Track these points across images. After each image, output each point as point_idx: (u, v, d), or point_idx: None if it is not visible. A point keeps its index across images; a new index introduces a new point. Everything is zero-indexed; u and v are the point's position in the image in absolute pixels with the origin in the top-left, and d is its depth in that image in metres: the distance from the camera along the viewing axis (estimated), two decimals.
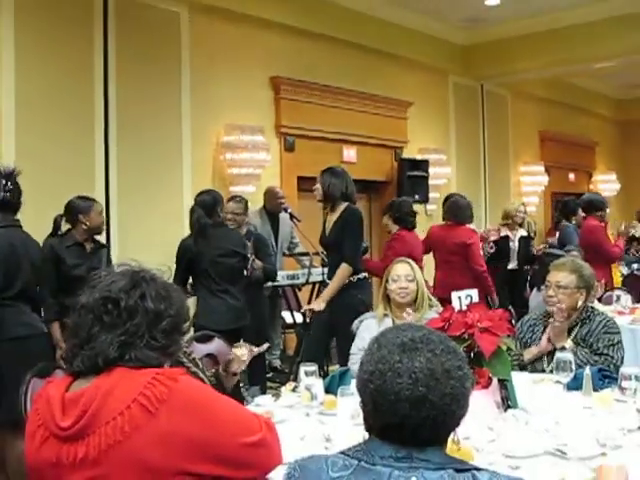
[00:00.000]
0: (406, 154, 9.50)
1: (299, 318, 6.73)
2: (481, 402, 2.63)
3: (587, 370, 3.03)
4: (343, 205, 5.18)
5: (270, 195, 7.01)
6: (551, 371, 3.29)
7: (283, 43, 7.90)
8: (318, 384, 3.01)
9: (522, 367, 3.57)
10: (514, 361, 3.48)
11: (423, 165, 9.39)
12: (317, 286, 6.67)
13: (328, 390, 3.06)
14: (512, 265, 7.77)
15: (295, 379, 3.50)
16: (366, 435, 1.59)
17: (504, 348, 2.77)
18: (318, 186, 5.25)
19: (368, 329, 3.82)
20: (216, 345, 3.95)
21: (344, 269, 5.01)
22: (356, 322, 4.06)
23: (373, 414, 1.53)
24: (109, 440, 1.67)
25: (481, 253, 6.86)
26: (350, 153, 8.78)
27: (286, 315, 7.07)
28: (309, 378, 3.03)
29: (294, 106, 8.00)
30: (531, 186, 11.83)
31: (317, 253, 6.57)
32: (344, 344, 4.46)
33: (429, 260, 7.15)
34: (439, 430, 1.51)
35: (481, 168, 10.94)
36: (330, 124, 8.32)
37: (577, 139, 13.04)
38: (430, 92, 9.97)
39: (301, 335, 6.67)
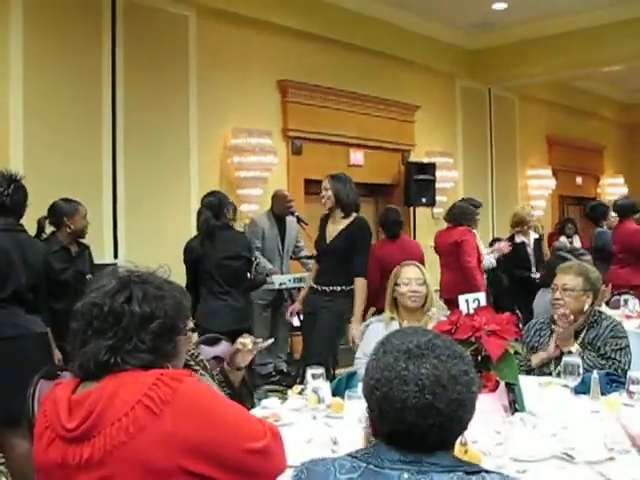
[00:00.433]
0: (413, 157, 9.50)
1: None
2: (488, 406, 2.63)
3: (595, 374, 3.02)
4: (352, 215, 5.12)
5: (278, 198, 7.02)
6: (558, 375, 3.28)
7: (291, 47, 7.91)
8: (325, 387, 3.01)
9: (529, 371, 3.56)
10: (521, 365, 3.48)
11: (430, 169, 9.38)
12: None
13: (335, 393, 3.06)
14: (535, 274, 7.24)
15: (302, 382, 3.49)
16: (372, 439, 1.59)
17: (511, 352, 2.76)
18: (330, 193, 5.10)
19: (375, 333, 3.79)
20: (223, 347, 3.95)
21: (362, 283, 5.02)
22: (362, 326, 4.04)
23: (379, 420, 1.52)
24: (114, 441, 1.67)
25: (478, 252, 6.81)
26: (357, 156, 8.79)
27: (293, 318, 7.07)
28: (316, 381, 3.03)
29: (301, 109, 8.02)
30: (538, 190, 11.81)
31: None
32: (324, 340, 4.96)
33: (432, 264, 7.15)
34: (446, 436, 1.50)
35: (488, 172, 10.93)
36: (337, 127, 8.33)
37: (584, 143, 13.01)
38: (437, 96, 9.97)
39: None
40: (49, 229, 4.85)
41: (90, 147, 6.26)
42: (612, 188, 13.88)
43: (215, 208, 5.28)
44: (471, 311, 2.97)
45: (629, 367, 3.43)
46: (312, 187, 8.30)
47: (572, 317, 3.52)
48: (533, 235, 7.84)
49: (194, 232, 5.49)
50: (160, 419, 1.68)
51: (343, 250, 5.03)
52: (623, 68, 10.43)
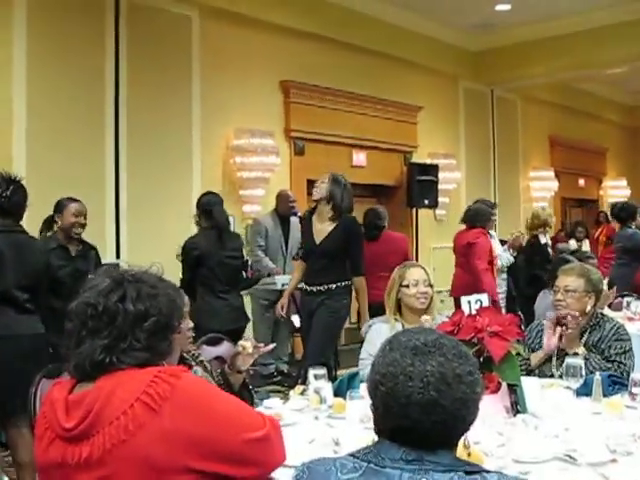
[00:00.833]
0: (416, 159, 9.50)
1: None
2: (490, 407, 2.62)
3: (597, 376, 3.02)
4: (343, 215, 5.11)
5: (282, 199, 7.03)
6: (560, 376, 3.27)
7: (293, 47, 7.92)
8: (327, 387, 3.00)
9: (529, 372, 3.55)
10: (522, 366, 3.47)
11: (432, 170, 9.38)
12: None
13: (337, 393, 3.05)
14: None
15: (303, 383, 3.49)
16: (375, 438, 1.59)
17: (514, 353, 2.76)
18: (324, 191, 5.08)
19: (378, 334, 3.76)
20: (225, 348, 3.95)
21: (363, 281, 5.13)
22: (365, 326, 4.02)
23: (384, 416, 1.53)
24: (113, 440, 1.67)
25: (490, 254, 6.81)
26: (360, 157, 8.80)
27: (295, 319, 7.07)
28: (318, 381, 3.02)
29: (304, 110, 8.02)
30: (540, 191, 11.81)
31: None
32: (320, 340, 4.96)
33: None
34: (449, 434, 1.51)
35: (491, 173, 10.93)
36: (340, 128, 8.34)
37: (587, 145, 13.01)
38: (440, 97, 9.97)
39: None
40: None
41: (93, 147, 6.27)
42: (615, 190, 13.88)
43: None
44: (473, 312, 2.96)
45: (633, 370, 3.42)
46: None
47: (580, 318, 3.52)
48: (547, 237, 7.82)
49: (196, 232, 5.51)
50: (159, 416, 1.68)
51: (335, 251, 5.04)
52: (626, 70, 10.44)
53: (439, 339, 1.55)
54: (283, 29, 7.69)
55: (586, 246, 9.60)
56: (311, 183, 8.13)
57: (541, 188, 11.83)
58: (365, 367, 3.67)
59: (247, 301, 6.98)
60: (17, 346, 3.87)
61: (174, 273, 5.34)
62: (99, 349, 1.77)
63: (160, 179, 6.67)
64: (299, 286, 5.39)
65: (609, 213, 9.12)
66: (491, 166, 10.95)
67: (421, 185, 9.19)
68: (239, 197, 7.36)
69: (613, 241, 8.24)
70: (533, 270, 7.16)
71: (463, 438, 1.57)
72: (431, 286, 3.80)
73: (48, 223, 4.82)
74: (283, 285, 6.41)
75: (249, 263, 6.23)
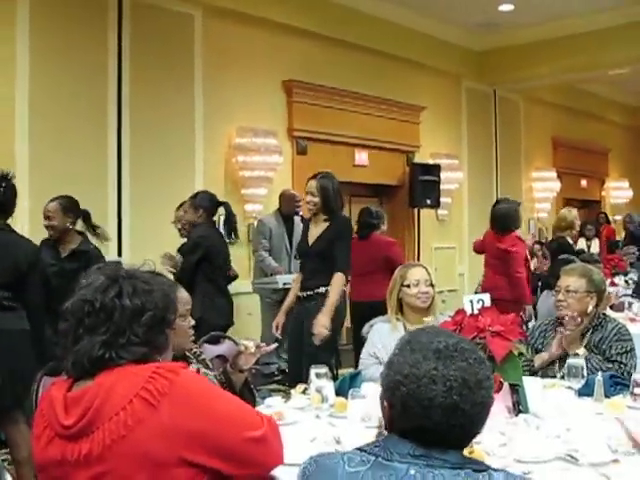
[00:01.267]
0: (418, 159, 9.50)
1: None
2: (492, 407, 2.62)
3: (599, 376, 3.02)
4: (334, 215, 4.91)
5: (286, 198, 7.03)
6: (562, 377, 3.27)
7: (296, 46, 7.92)
8: (329, 386, 3.00)
9: (533, 373, 3.55)
10: (525, 367, 3.47)
11: (435, 170, 9.38)
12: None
13: (339, 392, 3.05)
14: None
15: (305, 382, 3.49)
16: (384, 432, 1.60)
17: (516, 353, 2.76)
18: (317, 200, 4.84)
19: (379, 334, 3.77)
20: (226, 346, 3.95)
21: (340, 278, 4.78)
22: (366, 326, 4.01)
23: (402, 416, 1.54)
24: (113, 435, 1.68)
25: (527, 260, 6.83)
26: (362, 157, 8.80)
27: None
28: (320, 380, 3.02)
29: (307, 109, 8.02)
30: (543, 192, 11.81)
31: None
32: (315, 351, 4.45)
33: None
34: (466, 436, 1.55)
35: (493, 173, 10.92)
36: (342, 128, 8.33)
37: (590, 145, 13.00)
38: (443, 97, 9.97)
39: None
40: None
41: (95, 145, 6.27)
42: (617, 191, 13.88)
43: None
44: (475, 311, 2.96)
45: (634, 370, 3.42)
46: None
47: (580, 319, 3.52)
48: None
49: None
50: (158, 411, 1.69)
51: (324, 250, 4.84)
52: (629, 71, 10.43)
53: (459, 343, 1.57)
54: (286, 28, 7.69)
55: (595, 245, 9.52)
56: None
57: (543, 189, 11.82)
58: (366, 367, 3.67)
59: (255, 300, 7.00)
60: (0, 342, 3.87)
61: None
62: (98, 345, 1.77)
63: (162, 177, 6.67)
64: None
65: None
66: (493, 166, 10.94)
67: (423, 185, 9.19)
68: (241, 196, 7.36)
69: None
70: (558, 270, 7.11)
71: None
72: (432, 286, 3.80)
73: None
74: (284, 284, 6.42)
75: (260, 260, 6.52)
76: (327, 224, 4.88)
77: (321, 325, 4.59)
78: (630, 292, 6.54)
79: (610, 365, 3.42)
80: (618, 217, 13.87)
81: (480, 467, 1.51)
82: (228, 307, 5.44)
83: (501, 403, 2.72)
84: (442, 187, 9.48)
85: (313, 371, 3.09)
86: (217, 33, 7.18)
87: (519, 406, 2.76)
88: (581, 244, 9.25)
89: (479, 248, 7.11)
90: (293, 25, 7.72)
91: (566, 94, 11.97)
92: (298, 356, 4.77)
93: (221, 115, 7.21)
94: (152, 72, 6.64)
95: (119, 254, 6.35)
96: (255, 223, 7.22)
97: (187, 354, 2.93)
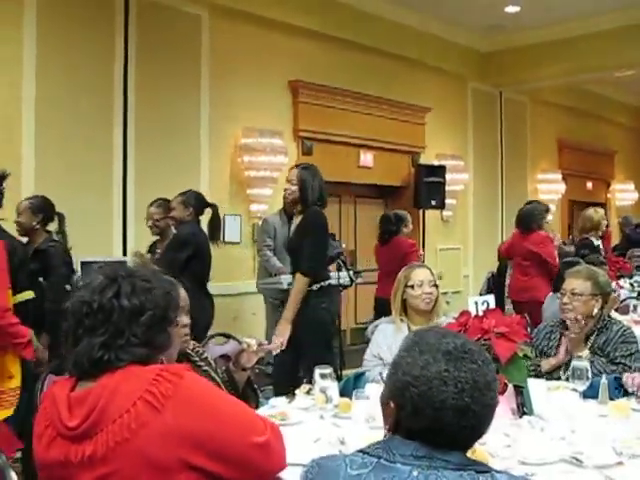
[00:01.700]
0: (423, 160, 9.50)
1: None
2: (497, 408, 2.62)
3: (603, 378, 3.01)
4: (310, 208, 4.66)
5: None
6: (567, 379, 3.27)
7: (302, 47, 7.92)
8: (333, 387, 3.00)
9: (539, 377, 3.54)
10: (531, 369, 3.46)
11: (440, 171, 9.37)
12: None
13: (343, 393, 3.05)
14: None
15: (309, 382, 3.49)
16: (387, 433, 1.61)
17: (520, 354, 2.75)
18: (294, 188, 4.63)
19: (384, 335, 3.77)
20: (231, 346, 3.96)
21: (299, 281, 4.50)
22: (371, 327, 4.01)
23: (412, 417, 1.53)
24: (117, 438, 1.68)
25: (555, 253, 6.85)
26: (367, 158, 8.80)
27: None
28: (324, 381, 3.02)
29: (312, 110, 8.02)
30: (548, 194, 11.78)
31: (332, 257, 6.57)
32: (312, 362, 3.58)
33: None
34: (474, 437, 1.56)
35: (498, 175, 10.91)
36: (348, 128, 8.34)
37: (595, 147, 12.97)
38: (449, 98, 9.96)
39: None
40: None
41: (101, 145, 6.28)
42: (622, 194, 13.84)
43: None
44: (480, 313, 2.96)
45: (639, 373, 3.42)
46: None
47: (584, 322, 3.51)
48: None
49: (205, 231, 5.55)
50: (162, 414, 1.69)
51: (296, 246, 4.65)
52: (636, 72, 10.39)
53: (467, 344, 1.58)
54: (293, 28, 7.69)
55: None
56: None
57: (548, 190, 11.79)
58: (371, 368, 3.66)
59: (259, 300, 7.00)
60: None
61: None
62: (97, 346, 1.77)
63: (168, 177, 6.67)
64: None
65: None
66: (499, 168, 10.93)
67: (428, 186, 9.19)
68: (246, 196, 7.37)
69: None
70: None
71: None
72: (436, 287, 3.80)
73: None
74: (289, 285, 6.40)
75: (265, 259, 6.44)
76: (300, 217, 4.68)
77: (277, 334, 4.31)
78: (635, 295, 6.52)
79: (614, 367, 3.41)
80: None
81: (483, 469, 1.51)
82: (211, 308, 5.40)
83: (505, 405, 2.72)
84: (447, 188, 9.47)
85: (317, 371, 3.09)
86: (224, 33, 7.18)
87: (523, 408, 2.76)
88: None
89: (506, 252, 7.13)
90: (299, 26, 7.72)
91: (572, 96, 11.94)
92: (284, 357, 4.35)
93: (227, 115, 7.22)
94: (158, 71, 6.65)
95: (124, 254, 6.35)
96: (260, 222, 7.22)
97: (189, 352, 2.93)
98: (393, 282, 3.74)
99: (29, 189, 5.61)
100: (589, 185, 13.32)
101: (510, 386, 2.74)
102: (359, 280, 6.98)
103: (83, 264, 5.36)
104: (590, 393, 3.01)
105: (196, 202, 5.54)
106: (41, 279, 4.68)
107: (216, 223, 5.65)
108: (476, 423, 1.52)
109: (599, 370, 3.32)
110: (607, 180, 13.88)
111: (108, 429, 1.68)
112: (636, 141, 14.51)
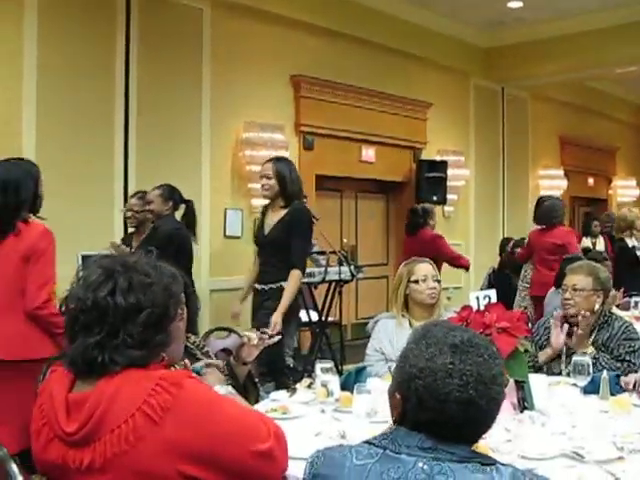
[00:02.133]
0: (425, 155, 9.48)
1: (314, 316, 6.75)
2: None
3: (604, 374, 3.02)
4: (292, 202, 4.65)
5: None
6: (568, 374, 3.27)
7: (304, 41, 7.90)
8: (334, 381, 3.01)
9: (537, 369, 3.54)
10: (530, 363, 3.46)
11: (442, 166, 9.36)
12: (333, 285, 6.68)
13: (344, 387, 3.05)
14: None
15: (309, 377, 3.49)
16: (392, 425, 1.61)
17: (521, 349, 2.76)
18: (272, 182, 4.62)
19: (385, 330, 3.76)
20: (231, 340, 3.97)
21: (296, 276, 4.56)
22: (371, 322, 3.99)
23: (416, 409, 1.55)
24: (114, 449, 1.64)
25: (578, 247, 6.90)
26: (369, 153, 8.79)
27: (301, 313, 7.08)
28: (326, 375, 3.03)
29: (314, 105, 8.01)
30: (549, 190, 11.72)
31: (334, 252, 6.58)
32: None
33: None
34: (478, 431, 1.57)
35: (500, 171, 10.90)
36: (350, 123, 8.33)
37: (597, 144, 12.95)
38: (450, 94, 9.95)
39: (316, 334, 6.70)
40: None
41: (102, 141, 6.26)
42: (624, 190, 13.83)
43: None
44: (482, 308, 2.95)
45: None
46: (323, 183, 8.32)
47: (590, 318, 3.52)
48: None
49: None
50: (160, 427, 1.64)
51: (281, 241, 4.59)
52: (638, 69, 10.36)
53: (474, 338, 1.60)
54: (295, 23, 7.67)
55: (600, 243, 9.41)
56: (320, 178, 8.19)
57: (550, 187, 11.76)
58: (373, 362, 3.66)
59: None
60: None
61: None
62: (91, 346, 1.71)
63: (169, 171, 6.65)
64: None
65: None
66: (500, 164, 10.91)
67: (430, 182, 9.18)
68: (248, 190, 7.36)
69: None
70: (621, 274, 6.87)
71: None
72: (439, 282, 3.80)
73: None
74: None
75: None
76: (284, 212, 4.63)
77: (274, 323, 4.39)
78: (636, 292, 6.51)
79: (619, 364, 3.42)
80: None
81: (488, 461, 1.52)
82: (197, 302, 5.30)
83: (506, 399, 2.72)
84: (449, 184, 9.45)
85: (319, 365, 3.09)
86: (225, 27, 7.16)
87: (524, 403, 2.76)
88: (586, 242, 9.20)
89: (527, 253, 7.21)
90: (302, 20, 7.70)
91: (574, 92, 11.92)
92: None
93: (228, 109, 7.21)
94: (160, 66, 6.63)
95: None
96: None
97: (189, 346, 2.93)
98: None
99: None
100: (591, 181, 13.30)
101: (511, 381, 2.74)
102: (360, 275, 6.98)
103: (84, 258, 5.37)
104: (591, 388, 3.01)
105: (175, 196, 5.50)
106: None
107: (191, 219, 5.56)
108: (481, 416, 1.53)
109: (604, 367, 3.32)
110: (609, 176, 13.86)
111: (106, 439, 1.65)
112: (638, 137, 14.49)
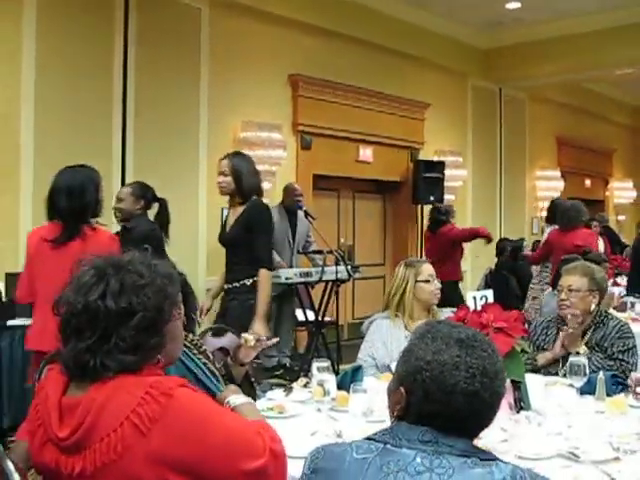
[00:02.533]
0: (422, 155, 9.50)
1: (311, 316, 6.74)
2: None
3: (600, 374, 3.02)
4: (249, 198, 4.50)
5: (288, 191, 7.03)
6: (564, 375, 3.27)
7: (302, 41, 7.90)
8: (331, 380, 3.00)
9: (535, 371, 3.55)
10: (527, 364, 3.46)
11: (439, 167, 9.38)
12: (330, 284, 6.68)
13: (340, 386, 3.05)
14: None
15: (306, 376, 3.49)
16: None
17: (518, 349, 2.75)
18: (229, 179, 4.46)
19: (379, 331, 3.73)
20: (228, 338, 3.95)
21: (265, 276, 4.40)
22: (366, 322, 3.94)
23: (422, 402, 1.56)
24: (103, 458, 1.61)
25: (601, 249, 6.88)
26: (366, 153, 8.79)
27: (298, 313, 7.08)
28: (322, 374, 3.02)
29: (312, 104, 8.01)
30: (546, 191, 11.78)
31: (331, 251, 6.57)
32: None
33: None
34: (481, 425, 1.59)
35: (497, 171, 10.91)
36: (347, 123, 8.33)
37: (594, 145, 12.98)
38: (448, 94, 9.96)
39: (313, 333, 6.70)
40: None
41: (100, 140, 6.25)
42: (621, 192, 13.85)
43: None
44: (478, 308, 2.95)
45: (636, 368, 3.42)
46: (321, 182, 8.33)
47: (581, 317, 3.52)
48: None
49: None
50: (147, 438, 1.60)
51: (240, 239, 4.45)
52: (635, 71, 10.39)
53: (477, 334, 1.64)
54: (293, 23, 7.67)
55: (600, 244, 9.39)
56: (317, 178, 8.19)
57: (547, 188, 11.80)
58: (365, 368, 3.63)
59: None
60: None
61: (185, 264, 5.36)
62: (83, 351, 1.67)
63: (167, 170, 6.66)
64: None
65: None
66: (497, 164, 10.93)
67: (427, 182, 9.19)
68: None
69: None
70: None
71: None
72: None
73: None
74: (286, 279, 6.42)
75: None
76: (242, 209, 4.49)
77: (255, 332, 3.98)
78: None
79: (612, 363, 3.42)
80: (621, 217, 13.85)
81: (487, 456, 1.53)
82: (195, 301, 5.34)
83: (503, 399, 2.72)
84: (446, 184, 9.48)
85: (315, 364, 3.09)
86: (224, 27, 7.16)
87: (521, 403, 2.76)
88: None
89: (544, 253, 7.15)
90: (300, 20, 7.70)
91: (572, 93, 11.94)
92: None
93: (226, 108, 7.20)
94: (158, 64, 6.63)
95: None
96: None
97: (187, 344, 2.92)
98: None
99: (28, 184, 5.61)
100: (587, 183, 13.33)
101: (508, 381, 2.74)
102: (357, 275, 6.97)
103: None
104: (587, 389, 3.01)
105: (147, 194, 5.22)
106: None
107: (165, 219, 5.22)
108: (484, 409, 1.55)
109: (597, 366, 3.33)
110: (605, 178, 13.89)
111: (96, 447, 1.62)
112: (635, 139, 14.52)
